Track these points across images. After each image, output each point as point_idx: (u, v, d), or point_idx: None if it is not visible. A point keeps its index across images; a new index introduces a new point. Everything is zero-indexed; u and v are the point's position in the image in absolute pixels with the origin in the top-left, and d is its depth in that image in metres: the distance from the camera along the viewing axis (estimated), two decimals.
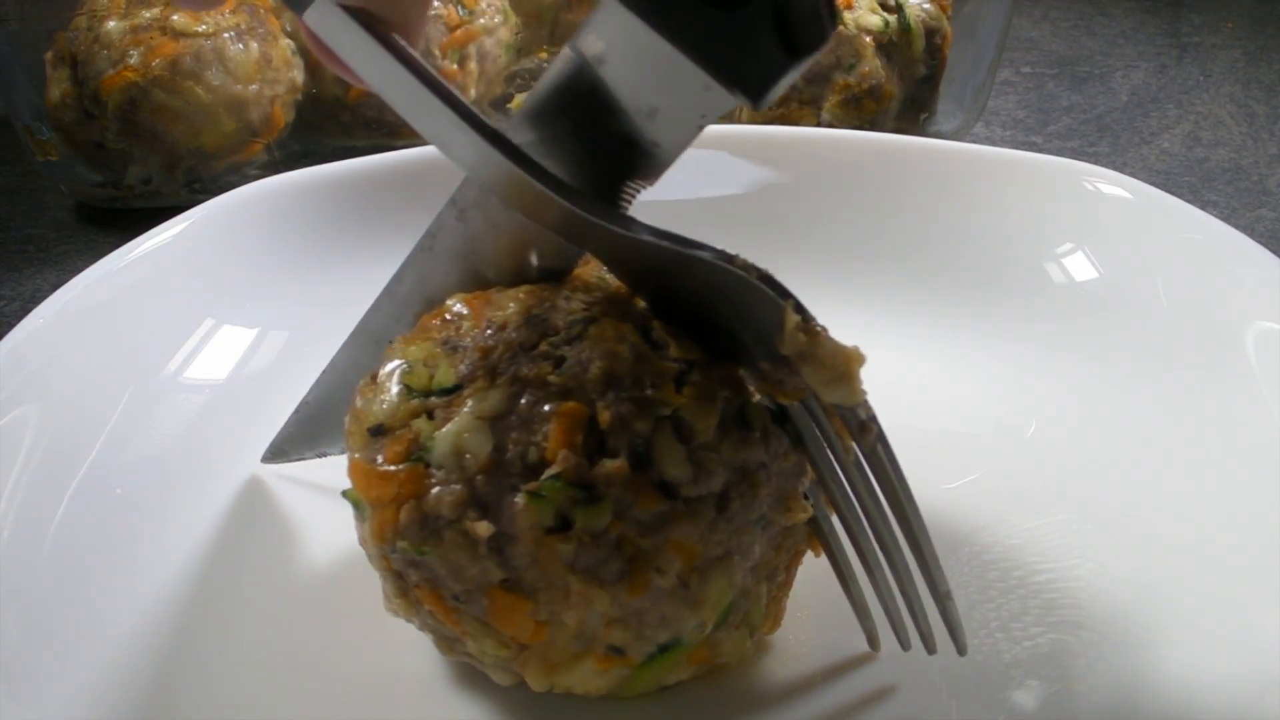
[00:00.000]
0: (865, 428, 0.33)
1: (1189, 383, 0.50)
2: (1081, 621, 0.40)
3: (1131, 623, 0.39)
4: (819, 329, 0.32)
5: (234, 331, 0.56)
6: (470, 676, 0.38)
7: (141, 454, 0.48)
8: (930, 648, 0.37)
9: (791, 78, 0.31)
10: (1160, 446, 0.48)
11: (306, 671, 0.39)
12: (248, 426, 0.51)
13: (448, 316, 0.37)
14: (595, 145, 0.34)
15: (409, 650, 0.39)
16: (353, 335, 0.44)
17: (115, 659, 0.39)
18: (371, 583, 0.38)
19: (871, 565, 0.37)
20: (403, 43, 0.34)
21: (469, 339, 0.36)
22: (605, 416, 0.33)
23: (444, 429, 0.34)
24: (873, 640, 0.39)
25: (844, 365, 0.32)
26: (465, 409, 0.34)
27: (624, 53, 0.32)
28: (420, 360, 0.36)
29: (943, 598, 0.36)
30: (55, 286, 0.52)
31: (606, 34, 0.32)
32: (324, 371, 0.45)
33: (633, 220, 0.34)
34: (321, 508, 0.45)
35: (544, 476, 0.32)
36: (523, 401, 0.34)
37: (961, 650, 0.37)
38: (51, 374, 0.48)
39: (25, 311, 0.50)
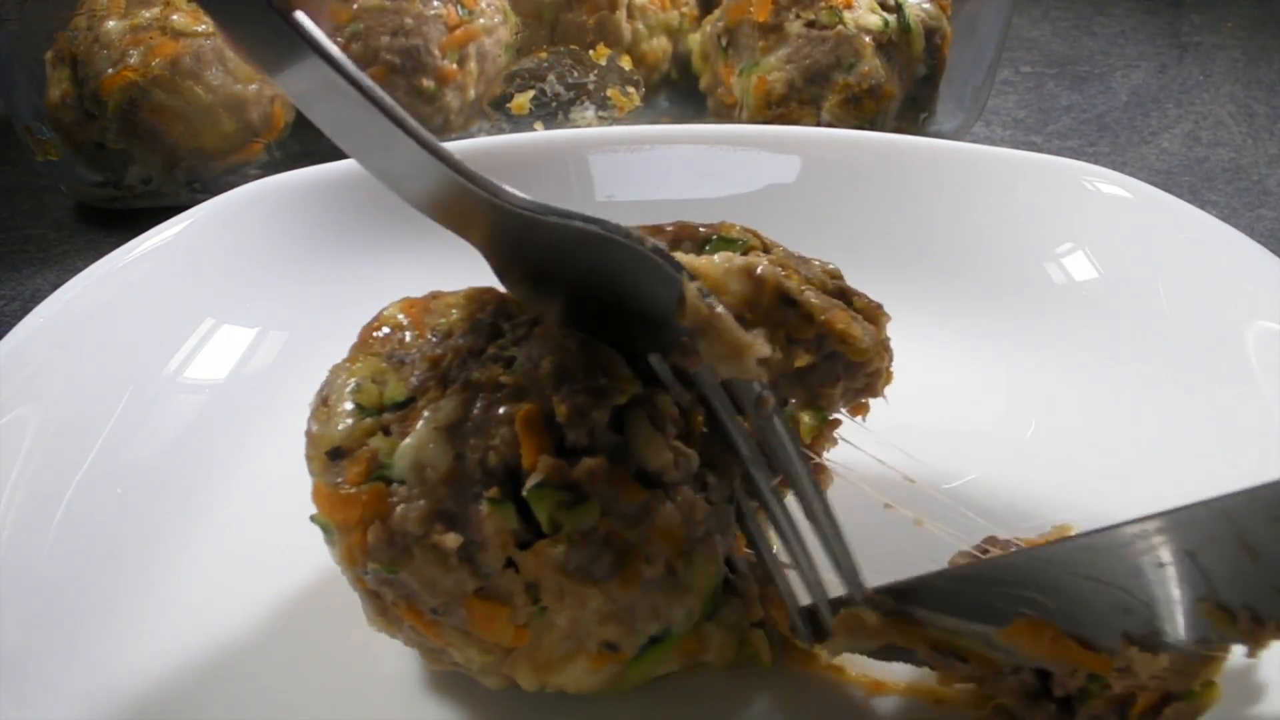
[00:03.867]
0: (761, 401, 0.34)
1: (1189, 382, 0.50)
2: None
3: None
4: (718, 305, 0.33)
5: (234, 331, 0.56)
6: (461, 681, 0.38)
7: (141, 454, 0.48)
8: (825, 633, 0.36)
9: None
10: (1160, 446, 0.48)
11: (303, 674, 0.39)
12: (248, 426, 0.51)
13: (387, 329, 0.37)
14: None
15: (402, 655, 0.39)
16: None
17: (113, 659, 0.39)
18: None
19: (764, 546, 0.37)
20: (311, 26, 0.32)
21: (415, 350, 0.36)
22: (562, 410, 0.33)
23: (402, 444, 0.33)
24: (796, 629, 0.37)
25: (741, 343, 0.33)
26: (421, 421, 0.34)
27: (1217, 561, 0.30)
28: (368, 377, 0.36)
29: (850, 575, 0.36)
30: (55, 286, 0.52)
31: (1199, 540, 0.30)
32: None
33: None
34: None
35: (529, 486, 0.32)
36: (477, 407, 0.34)
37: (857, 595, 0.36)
38: (51, 374, 0.48)
39: (25, 311, 0.50)
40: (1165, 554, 0.31)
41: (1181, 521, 0.30)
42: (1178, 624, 0.31)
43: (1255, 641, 0.30)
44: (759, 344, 0.33)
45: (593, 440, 0.33)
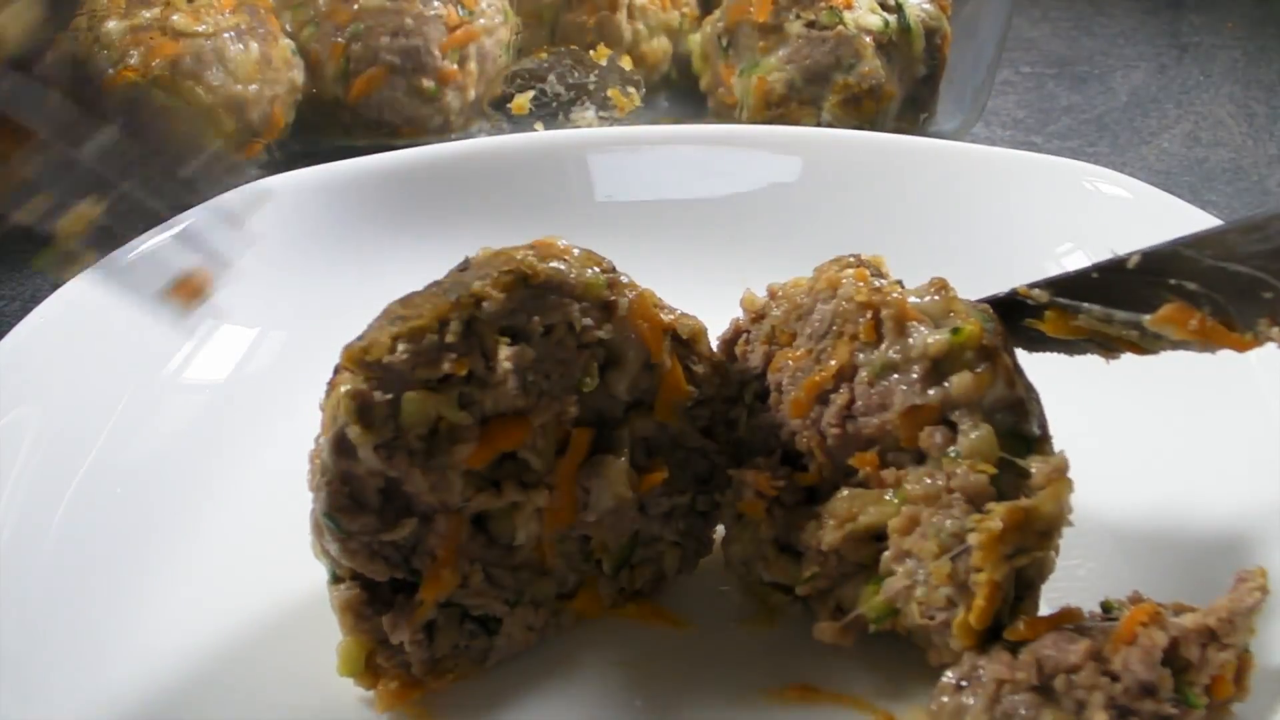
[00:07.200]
0: None
1: (1189, 383, 0.50)
2: None
3: None
4: None
5: (234, 331, 0.56)
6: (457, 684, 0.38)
7: (141, 454, 0.48)
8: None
9: None
10: (1160, 446, 0.48)
11: (301, 674, 0.39)
12: (248, 426, 0.51)
13: None
14: None
15: None
16: None
17: (113, 658, 0.39)
18: None
19: None
20: None
21: None
22: None
23: None
24: None
25: None
26: None
27: None
28: None
29: None
30: (55, 286, 0.52)
31: None
32: None
33: None
34: None
35: None
36: None
37: None
38: (51, 374, 0.48)
39: (25, 311, 0.50)
40: None
41: None
42: None
43: None
44: None
45: None
